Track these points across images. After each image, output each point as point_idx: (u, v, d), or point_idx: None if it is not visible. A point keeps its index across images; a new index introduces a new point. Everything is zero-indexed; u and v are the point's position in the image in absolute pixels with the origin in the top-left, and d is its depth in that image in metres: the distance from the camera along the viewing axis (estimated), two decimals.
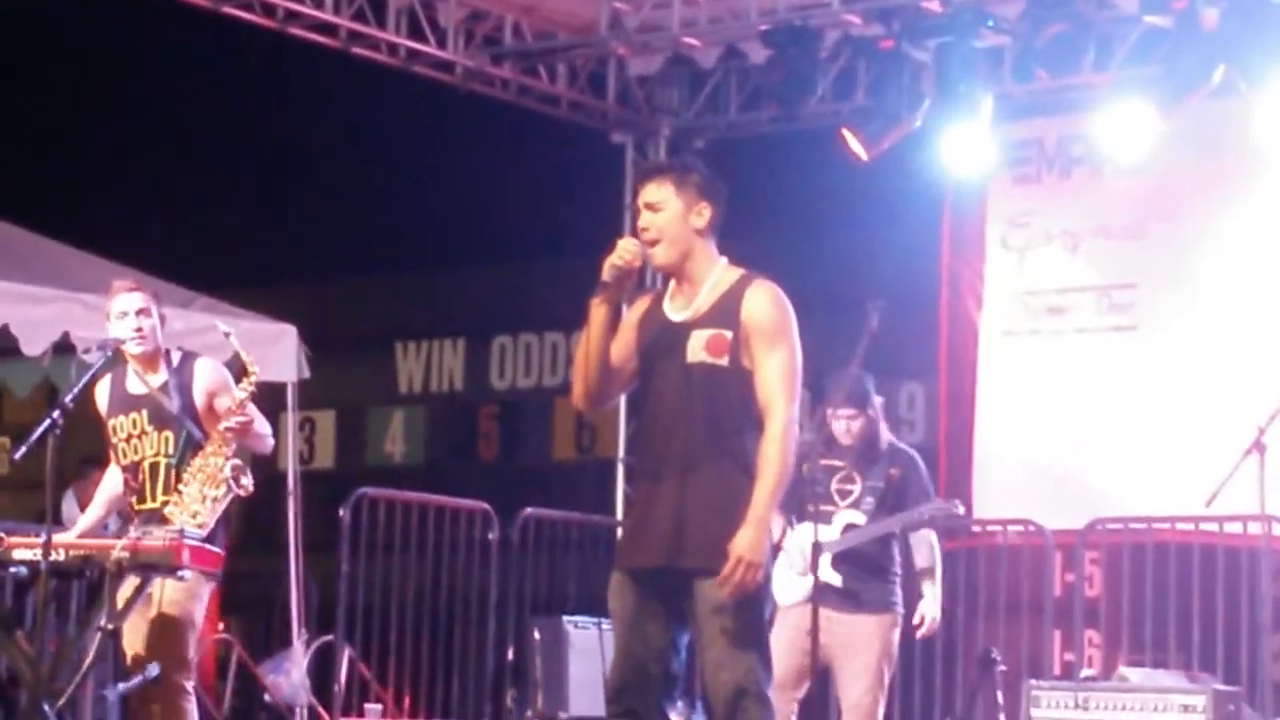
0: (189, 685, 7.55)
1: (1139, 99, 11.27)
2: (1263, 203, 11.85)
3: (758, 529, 5.94)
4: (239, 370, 7.83)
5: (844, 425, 8.39)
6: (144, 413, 7.72)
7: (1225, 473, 9.73)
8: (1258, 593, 10.49)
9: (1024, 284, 12.67)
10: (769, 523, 6.00)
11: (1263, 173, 11.76)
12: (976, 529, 12.01)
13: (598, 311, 6.10)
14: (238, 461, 7.63)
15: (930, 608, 8.45)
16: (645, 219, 6.18)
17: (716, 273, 6.17)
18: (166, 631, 7.45)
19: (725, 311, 6.09)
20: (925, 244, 13.03)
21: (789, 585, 8.17)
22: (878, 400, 8.48)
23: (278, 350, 11.60)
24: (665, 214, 6.14)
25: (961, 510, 8.89)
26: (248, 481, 7.61)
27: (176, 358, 7.82)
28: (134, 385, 7.79)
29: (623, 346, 6.17)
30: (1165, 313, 12.15)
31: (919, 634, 8.51)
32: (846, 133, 11.67)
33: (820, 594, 8.10)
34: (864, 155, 11.66)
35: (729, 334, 6.07)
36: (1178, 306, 12.11)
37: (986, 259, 12.82)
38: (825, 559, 8.20)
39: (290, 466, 11.97)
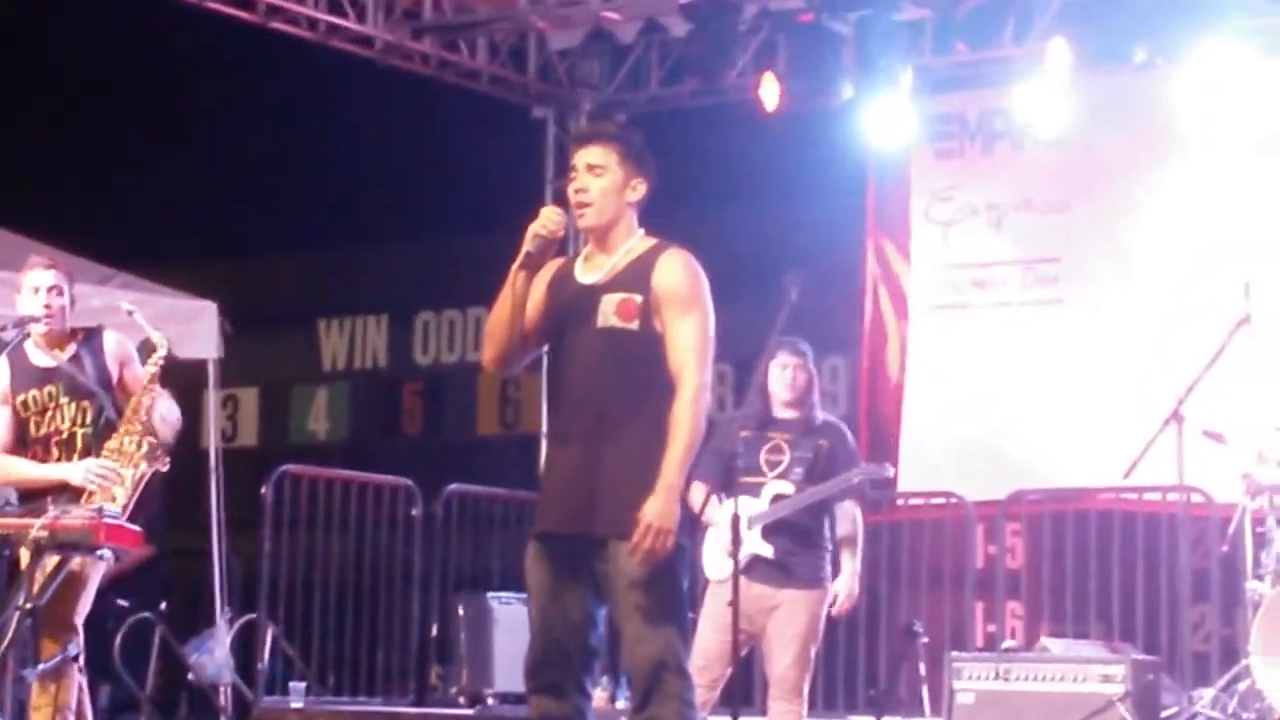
0: (75, 650, 7.51)
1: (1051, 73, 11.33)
2: (1183, 175, 11.92)
3: (667, 495, 5.90)
4: (147, 348, 7.78)
5: (789, 375, 8.34)
6: (59, 385, 7.67)
7: (1144, 444, 9.78)
8: (1176, 564, 10.56)
9: (948, 257, 12.70)
10: (679, 489, 5.94)
11: (1183, 145, 11.82)
12: (900, 502, 12.05)
13: (517, 277, 6.07)
14: (153, 438, 7.59)
15: (846, 584, 8.42)
16: (583, 180, 6.12)
17: (632, 241, 6.16)
18: (65, 592, 7.41)
19: (637, 276, 6.06)
20: (847, 217, 13.05)
21: (719, 559, 8.17)
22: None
23: (198, 327, 11.54)
24: (604, 180, 6.10)
25: (890, 472, 8.91)
26: (165, 458, 7.57)
27: (81, 333, 7.78)
28: (40, 359, 7.72)
29: (533, 308, 6.14)
30: (1088, 285, 12.20)
31: (833, 612, 8.47)
32: (770, 77, 11.64)
33: (751, 566, 8.12)
34: (771, 105, 11.65)
35: (639, 298, 6.03)
36: (1100, 279, 12.17)
37: (911, 232, 12.84)
38: (756, 531, 8.20)
39: (213, 444, 11.90)
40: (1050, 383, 12.18)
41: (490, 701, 11.37)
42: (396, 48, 12.85)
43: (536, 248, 6.07)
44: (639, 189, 6.16)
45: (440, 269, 17.32)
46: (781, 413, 8.45)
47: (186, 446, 7.92)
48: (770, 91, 11.68)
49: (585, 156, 6.17)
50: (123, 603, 10.84)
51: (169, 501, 7.80)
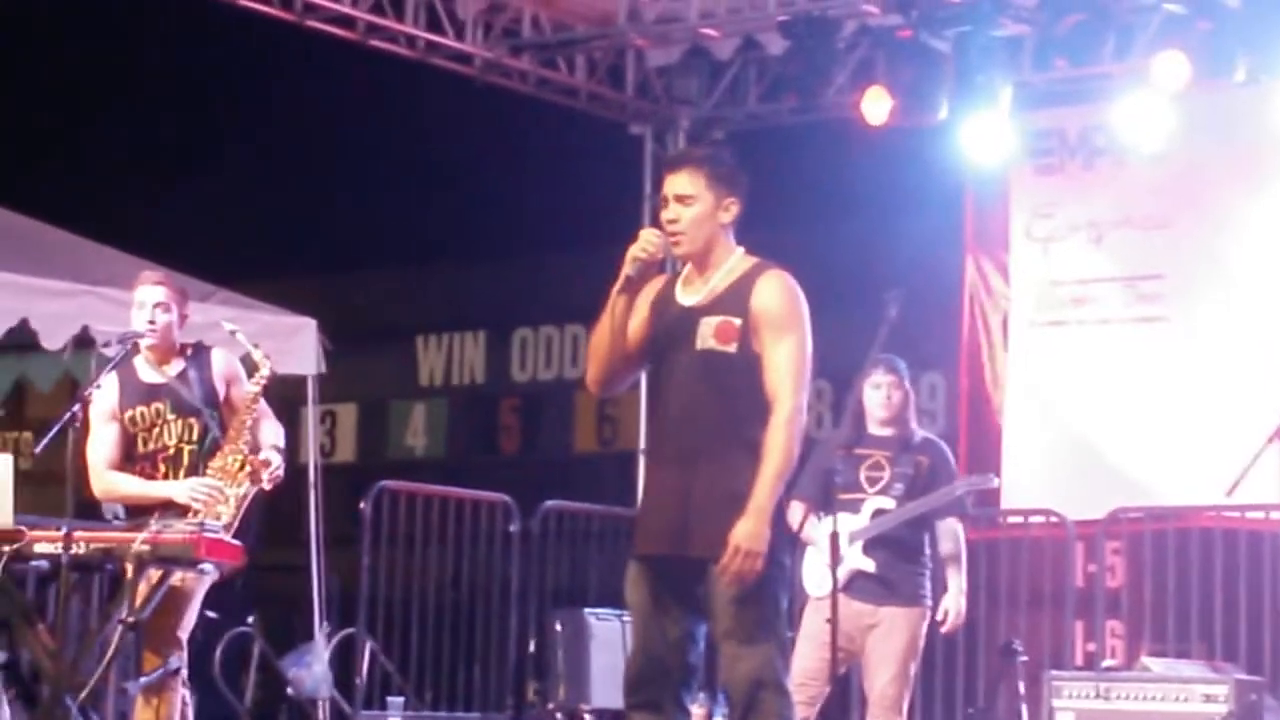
0: (176, 664, 7.57)
1: (1158, 88, 11.26)
2: None
3: (758, 518, 5.90)
4: (250, 366, 7.85)
5: (883, 394, 8.33)
6: (166, 402, 7.74)
7: (1247, 462, 9.70)
8: None
9: (1048, 274, 12.63)
10: (770, 511, 5.94)
11: None
12: (1000, 519, 11.98)
13: (618, 301, 6.09)
14: (262, 456, 7.65)
15: (954, 601, 8.42)
16: (674, 210, 6.13)
17: (731, 261, 6.15)
18: (168, 607, 7.47)
19: (736, 298, 6.07)
20: (945, 235, 13.01)
21: (819, 576, 8.15)
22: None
23: (297, 343, 11.61)
24: (695, 208, 6.10)
25: (995, 482, 8.87)
26: (273, 474, 7.63)
27: (189, 350, 7.85)
28: (148, 375, 7.80)
29: (636, 329, 6.15)
30: (1190, 303, 12.11)
31: (943, 629, 8.48)
32: (880, 91, 11.58)
33: (851, 582, 8.10)
34: (878, 120, 11.62)
35: (738, 321, 6.04)
36: (1202, 296, 12.07)
37: (1011, 249, 12.78)
38: (857, 547, 8.19)
39: (311, 460, 11.97)
40: (1151, 400, 12.09)
41: (587, 717, 11.38)
42: (495, 65, 12.90)
43: (636, 271, 6.08)
44: (731, 209, 6.15)
45: (537, 285, 17.37)
46: (878, 430, 8.44)
47: (285, 463, 7.97)
48: (878, 106, 11.63)
49: (674, 185, 6.16)
50: (212, 615, 10.91)
51: (267, 516, 7.84)
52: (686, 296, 6.15)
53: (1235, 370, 11.77)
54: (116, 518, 7.90)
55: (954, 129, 11.82)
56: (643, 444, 13.20)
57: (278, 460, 7.69)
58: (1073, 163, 12.60)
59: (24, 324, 10.72)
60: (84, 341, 10.88)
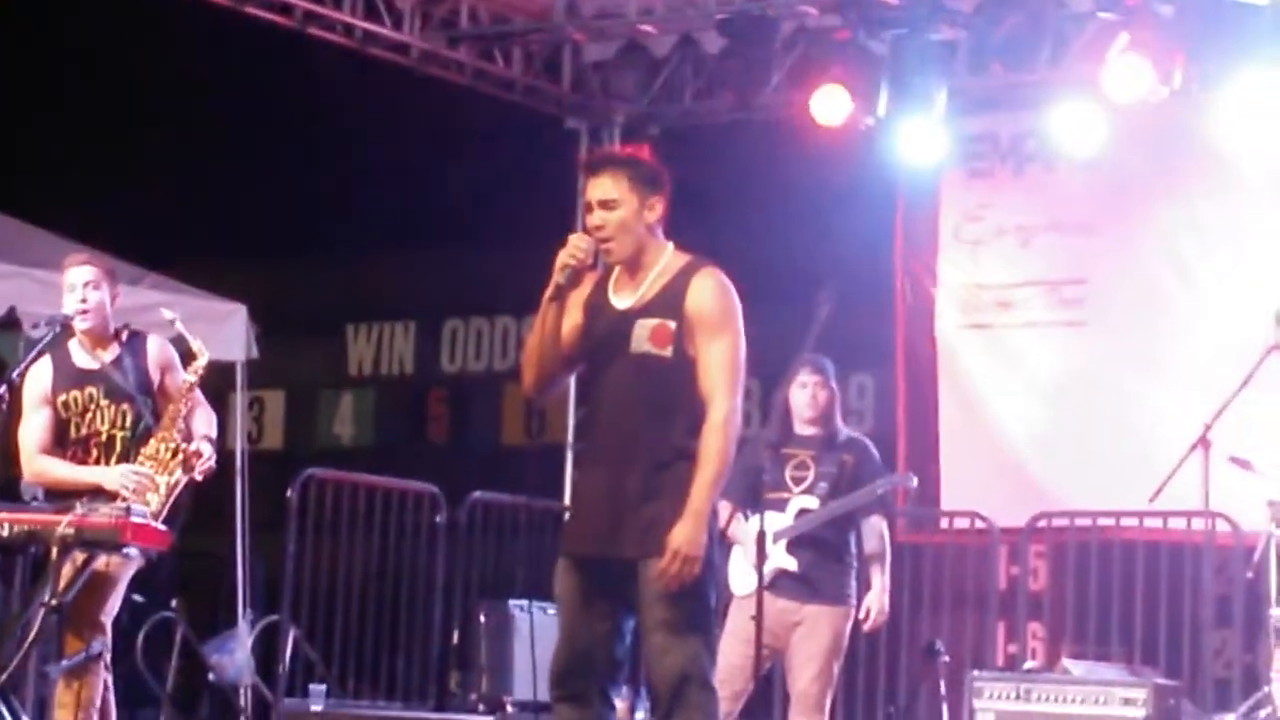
0: (98, 648, 7.54)
1: (1091, 96, 11.33)
2: (1214, 201, 11.90)
3: (696, 521, 5.94)
4: (185, 354, 7.83)
5: (809, 393, 8.38)
6: (100, 387, 7.71)
7: (1170, 469, 9.77)
8: (1200, 589, 10.55)
9: (976, 277, 12.70)
10: (707, 514, 5.98)
11: (1215, 170, 11.81)
12: (924, 520, 12.04)
13: (550, 307, 6.09)
14: (194, 446, 7.63)
15: (878, 600, 8.47)
16: (599, 216, 6.13)
17: (664, 260, 6.16)
18: (92, 590, 7.44)
19: (670, 300, 6.08)
20: (877, 236, 13.05)
21: (744, 574, 8.19)
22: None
23: (227, 329, 11.58)
24: (619, 212, 6.11)
25: (914, 482, 8.93)
26: (205, 466, 7.61)
27: (124, 335, 7.82)
28: (82, 360, 7.77)
29: (569, 333, 6.16)
30: (1115, 308, 12.18)
31: (865, 628, 8.53)
32: (838, 89, 11.54)
33: (776, 580, 8.14)
34: (835, 120, 11.60)
35: (673, 324, 6.06)
36: (1127, 302, 12.15)
37: (940, 251, 12.84)
38: (781, 546, 8.22)
39: (239, 446, 11.94)
40: (1075, 405, 12.17)
41: (509, 709, 11.38)
42: (432, 56, 12.88)
43: (566, 279, 6.09)
44: (656, 209, 6.16)
45: (469, 277, 17.34)
46: (804, 430, 8.49)
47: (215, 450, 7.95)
48: (832, 106, 11.61)
49: (596, 191, 6.16)
50: (138, 598, 10.88)
51: (193, 502, 7.82)
52: (619, 299, 6.16)
53: (1159, 378, 11.86)
54: (35, 499, 7.86)
55: (888, 131, 11.86)
56: (570, 437, 13.23)
57: (209, 451, 7.68)
58: (1003, 168, 12.67)
59: None
60: (10, 323, 10.82)
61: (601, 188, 6.13)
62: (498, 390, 17.34)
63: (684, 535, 5.92)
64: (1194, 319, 11.86)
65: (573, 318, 6.16)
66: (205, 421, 7.78)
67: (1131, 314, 12.12)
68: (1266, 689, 9.01)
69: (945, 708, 10.49)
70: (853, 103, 11.60)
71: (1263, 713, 9.08)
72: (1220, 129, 11.40)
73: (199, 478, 7.65)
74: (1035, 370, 12.38)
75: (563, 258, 6.07)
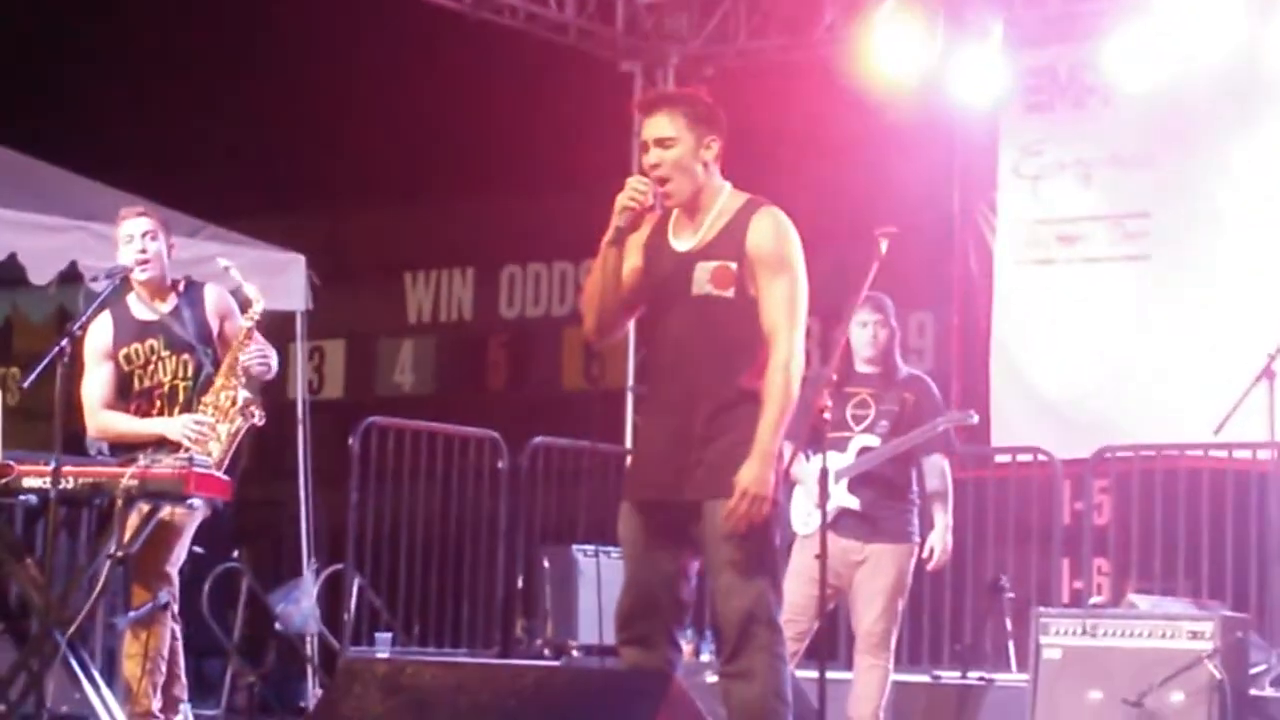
0: (165, 599, 7.58)
1: (1150, 25, 11.24)
2: (1273, 130, 11.79)
3: (763, 461, 5.92)
4: (243, 301, 7.84)
5: (869, 332, 8.36)
6: (160, 338, 7.74)
7: (1234, 400, 9.71)
8: (1267, 520, 10.49)
9: (1036, 213, 12.63)
10: (774, 454, 5.97)
11: (1273, 99, 11.69)
12: (987, 456, 12.00)
13: (609, 251, 6.07)
14: (249, 394, 7.66)
15: (941, 538, 8.46)
16: (656, 155, 6.09)
17: (722, 200, 6.13)
18: (158, 542, 7.47)
19: (730, 241, 6.05)
20: (936, 173, 12.98)
21: (806, 514, 8.18)
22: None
23: (285, 279, 11.60)
24: (677, 149, 6.07)
25: (975, 418, 8.90)
26: (260, 413, 7.64)
27: (182, 286, 7.84)
28: (142, 312, 7.79)
29: (629, 276, 6.14)
30: (1178, 241, 12.11)
31: (929, 566, 8.52)
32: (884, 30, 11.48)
33: (838, 520, 8.13)
34: (879, 64, 11.57)
35: (734, 265, 6.03)
36: (1190, 235, 12.07)
37: (999, 187, 12.77)
38: (843, 484, 8.21)
39: (300, 395, 11.97)
40: (1139, 339, 12.11)
41: (575, 653, 11.41)
42: (485, 1, 12.84)
43: (625, 221, 6.06)
44: (713, 147, 6.12)
45: (526, 222, 17.33)
46: (864, 368, 8.46)
47: (273, 397, 7.98)
48: (889, 42, 11.56)
49: (653, 129, 6.12)
50: (199, 550, 10.93)
51: (255, 452, 7.85)
52: (679, 241, 6.13)
53: (1221, 309, 11.78)
54: (100, 453, 7.90)
55: (945, 66, 11.78)
56: (630, 381, 13.22)
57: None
58: (1062, 101, 12.57)
59: (12, 258, 10.70)
60: (71, 277, 10.86)
61: (658, 126, 6.10)
62: (557, 335, 17.34)
63: (752, 475, 5.91)
64: (1256, 249, 11.77)
65: (632, 261, 6.14)
66: (263, 361, 7.77)
67: (1194, 247, 12.04)
68: None
69: (1011, 644, 10.47)
70: (909, 39, 11.52)
71: None
72: (1276, 57, 11.28)
73: (259, 423, 7.66)
74: (1098, 305, 12.31)
75: (621, 200, 6.05)
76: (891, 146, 13.38)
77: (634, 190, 6.05)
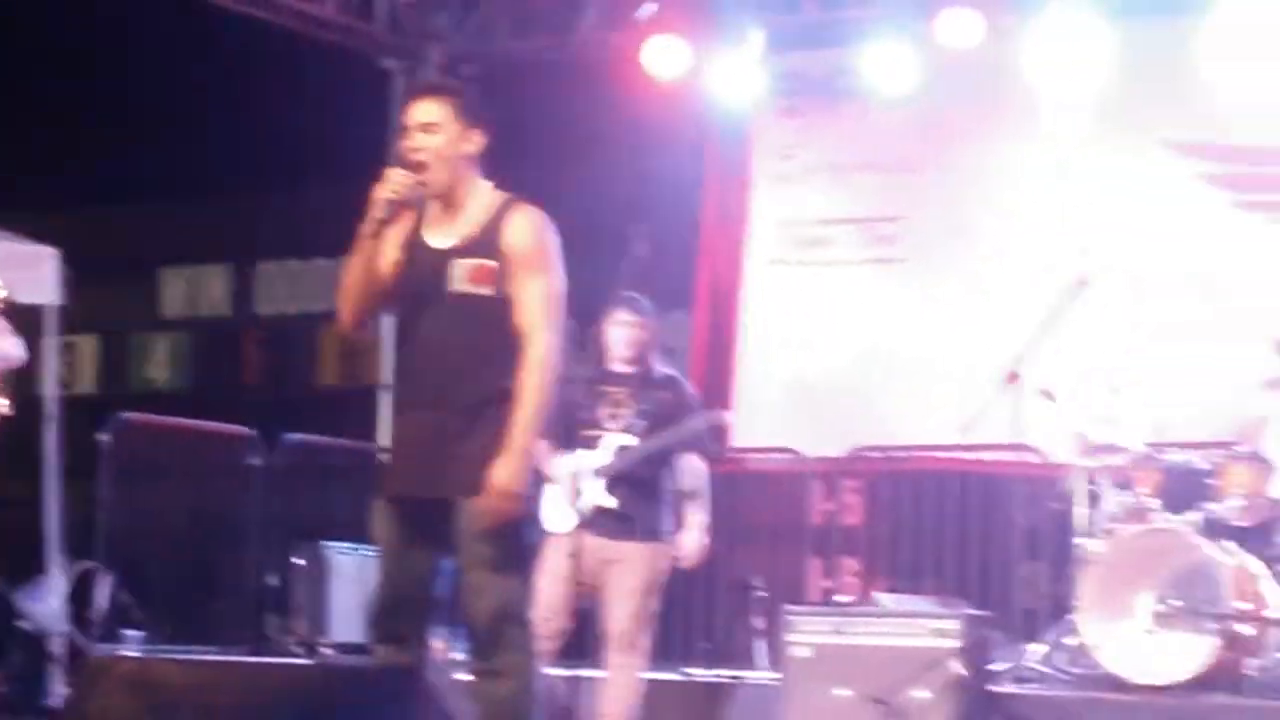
0: None
1: (906, 34, 11.43)
2: (1025, 139, 12.02)
3: (517, 458, 5.94)
4: None
5: (625, 332, 8.40)
6: None
7: (981, 403, 9.90)
8: (1010, 522, 10.71)
9: (788, 214, 12.76)
10: (528, 451, 5.99)
11: (1026, 109, 11.91)
12: (737, 456, 12.11)
13: (367, 243, 6.05)
14: None
15: (694, 537, 8.51)
16: (419, 139, 6.08)
17: (481, 198, 6.14)
18: None
19: (488, 239, 6.06)
20: (691, 174, 13.08)
21: (560, 512, 8.20)
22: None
23: (38, 273, 11.39)
24: (440, 137, 6.06)
25: (731, 418, 8.97)
26: (6, 402, 7.52)
27: None
28: None
29: (387, 271, 6.12)
30: (929, 246, 12.29)
31: (682, 565, 8.57)
32: (668, 39, 11.55)
33: (593, 518, 8.16)
34: (667, 72, 11.64)
35: (492, 263, 6.04)
36: (940, 240, 12.26)
37: (752, 189, 12.89)
38: (597, 483, 8.24)
39: (50, 391, 11.78)
40: (890, 342, 12.27)
41: (327, 651, 11.35)
42: None
43: (385, 213, 6.04)
44: (475, 141, 6.13)
45: (283, 219, 17.20)
46: (621, 368, 8.50)
47: (23, 393, 7.86)
48: (667, 57, 11.64)
49: (418, 113, 6.11)
50: None
51: (4, 447, 7.73)
52: (437, 238, 6.12)
53: (971, 314, 11.99)
54: None
55: (703, 69, 11.88)
56: (386, 379, 13.15)
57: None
58: (816, 105, 12.71)
59: None
60: None
61: (425, 111, 6.09)
62: (313, 333, 17.24)
63: (505, 473, 5.92)
64: (1005, 255, 12.00)
65: (390, 257, 6.13)
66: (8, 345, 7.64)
67: (945, 251, 12.23)
68: (1072, 618, 9.19)
69: (760, 643, 10.58)
70: (669, 42, 11.62)
71: (1069, 641, 9.25)
72: (1030, 66, 11.52)
73: (8, 412, 7.53)
74: (849, 307, 12.46)
75: (381, 192, 6.04)
76: (650, 148, 13.47)
77: (393, 182, 6.04)
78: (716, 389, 12.61)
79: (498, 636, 6.00)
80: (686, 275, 13.02)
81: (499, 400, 6.00)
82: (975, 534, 10.99)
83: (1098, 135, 11.76)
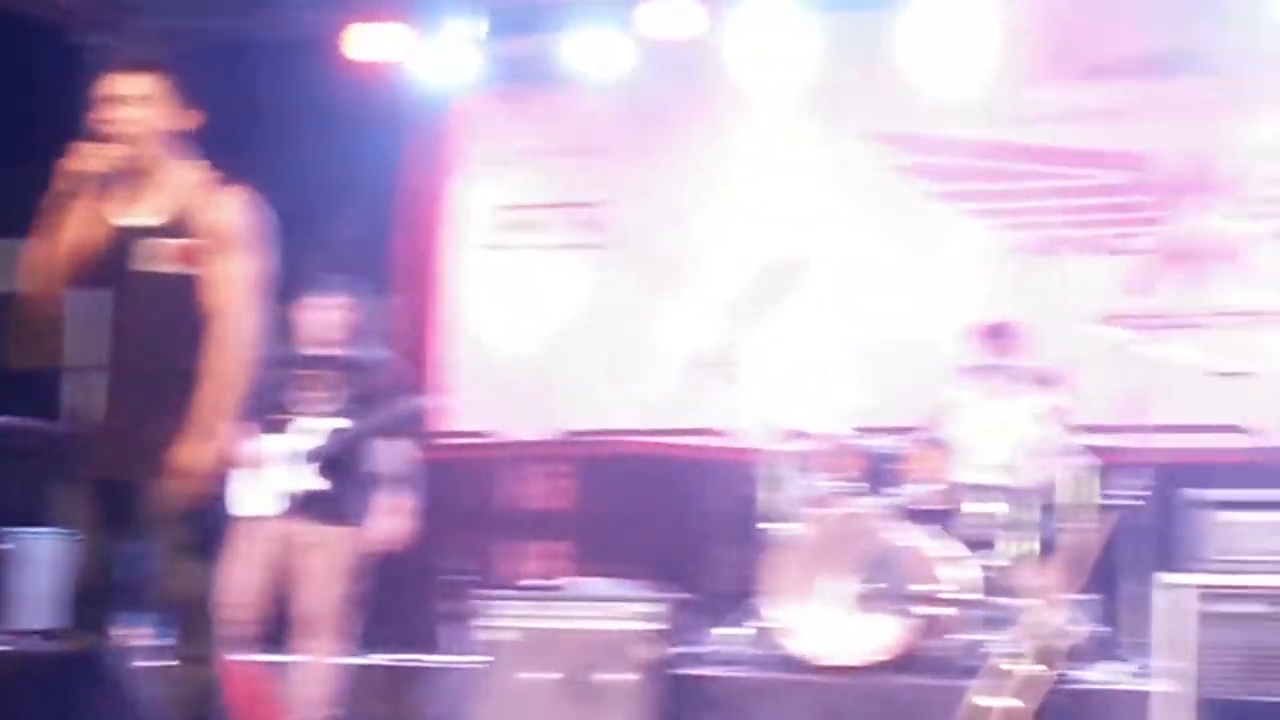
0: None
1: (617, 22, 11.49)
2: (735, 129, 12.13)
3: (203, 439, 5.86)
4: None
5: (329, 314, 8.34)
6: None
7: (682, 387, 9.98)
8: (705, 505, 10.79)
9: (496, 199, 12.75)
10: (216, 433, 5.90)
11: (735, 99, 12.02)
12: (448, 440, 12.08)
13: (55, 218, 5.93)
14: None
15: (394, 521, 8.47)
16: (121, 113, 5.99)
17: (182, 176, 6.05)
18: None
19: (188, 218, 5.99)
20: (403, 157, 12.98)
21: (260, 496, 8.11)
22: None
23: None
24: (144, 112, 5.99)
25: (440, 402, 8.95)
26: None
27: None
28: None
29: (76, 245, 6.00)
30: (639, 232, 12.36)
31: (381, 549, 8.52)
32: (365, 27, 11.48)
33: (296, 503, 8.08)
34: (366, 54, 11.58)
35: (191, 242, 5.96)
36: (649, 227, 12.32)
37: (461, 173, 12.85)
38: (298, 465, 8.17)
39: None
40: (598, 327, 12.32)
41: (10, 638, 11.08)
42: None
43: (72, 186, 5.93)
44: (178, 120, 6.05)
45: None
46: (323, 350, 8.43)
47: None
48: (373, 38, 11.56)
49: (125, 86, 6.05)
50: None
51: None
52: (133, 215, 6.03)
53: (675, 298, 12.07)
54: None
55: (418, 52, 11.83)
56: (69, 361, 12.83)
57: None
58: (530, 91, 12.69)
59: None
60: None
61: (131, 84, 6.03)
62: None
63: (189, 454, 5.84)
64: (716, 244, 12.09)
65: (80, 231, 6.01)
66: None
67: (653, 238, 12.30)
68: (759, 601, 9.34)
69: (456, 626, 10.55)
70: (378, 26, 11.57)
71: (757, 623, 9.38)
72: (735, 55, 11.64)
73: None
74: (558, 292, 12.49)
75: (71, 165, 5.92)
76: (360, 129, 13.35)
77: (85, 156, 5.93)
78: (417, 373, 12.53)
79: (191, 621, 5.95)
80: (397, 258, 12.92)
81: (193, 381, 5.91)
82: (677, 518, 11.06)
83: (802, 125, 11.91)
